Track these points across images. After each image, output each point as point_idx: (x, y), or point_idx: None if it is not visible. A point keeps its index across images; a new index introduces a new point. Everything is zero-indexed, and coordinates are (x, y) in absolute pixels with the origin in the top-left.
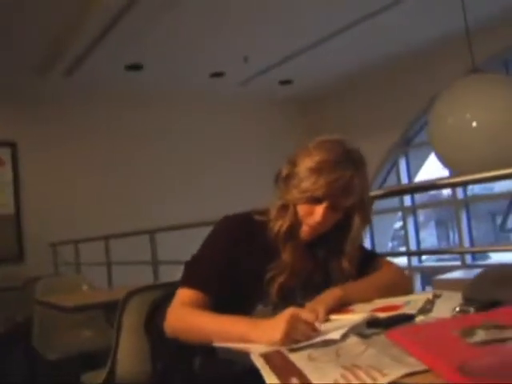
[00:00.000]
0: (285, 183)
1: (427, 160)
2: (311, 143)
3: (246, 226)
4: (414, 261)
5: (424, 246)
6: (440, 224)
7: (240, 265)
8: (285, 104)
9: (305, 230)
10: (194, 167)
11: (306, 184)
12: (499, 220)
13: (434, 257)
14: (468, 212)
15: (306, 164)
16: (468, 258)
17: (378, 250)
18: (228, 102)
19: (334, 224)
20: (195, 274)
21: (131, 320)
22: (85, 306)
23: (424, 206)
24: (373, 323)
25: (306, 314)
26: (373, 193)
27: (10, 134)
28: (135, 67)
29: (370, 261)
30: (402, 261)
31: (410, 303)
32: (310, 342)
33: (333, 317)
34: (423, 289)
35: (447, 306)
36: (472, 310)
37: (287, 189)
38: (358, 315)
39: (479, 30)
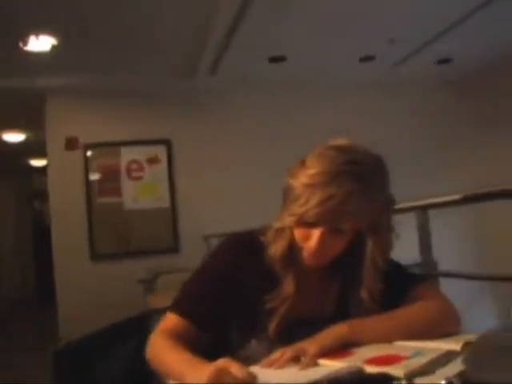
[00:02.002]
0: (283, 201)
1: None
2: (314, 151)
3: (246, 248)
4: None
5: None
6: None
7: (236, 293)
8: (445, 86)
9: (305, 256)
10: None
11: (296, 205)
12: None
13: None
14: None
15: (300, 179)
16: None
17: None
18: (380, 87)
19: (346, 248)
20: (185, 300)
21: None
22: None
23: None
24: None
25: (236, 368)
26: None
27: (165, 132)
28: (279, 59)
29: (406, 290)
30: None
31: (418, 355)
32: None
33: (322, 361)
34: None
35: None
36: None
37: (283, 208)
38: (344, 364)
39: None
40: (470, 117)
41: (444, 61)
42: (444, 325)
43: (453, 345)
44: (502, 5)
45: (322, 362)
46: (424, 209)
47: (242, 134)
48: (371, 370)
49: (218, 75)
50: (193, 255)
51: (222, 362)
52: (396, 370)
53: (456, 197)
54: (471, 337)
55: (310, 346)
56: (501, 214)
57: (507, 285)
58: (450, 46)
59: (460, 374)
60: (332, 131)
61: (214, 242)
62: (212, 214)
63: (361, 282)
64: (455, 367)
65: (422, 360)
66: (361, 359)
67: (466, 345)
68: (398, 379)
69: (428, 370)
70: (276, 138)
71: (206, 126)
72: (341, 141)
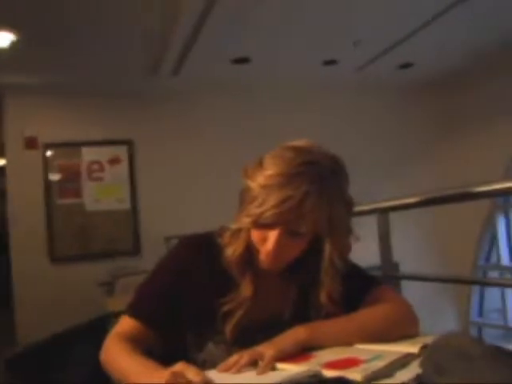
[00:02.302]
0: (240, 202)
1: None
2: (271, 152)
3: (202, 250)
4: None
5: None
6: None
7: (192, 295)
8: (408, 90)
9: (262, 259)
10: None
11: (253, 206)
12: None
13: None
14: None
15: (257, 180)
16: None
17: None
18: (344, 91)
19: (304, 251)
20: (140, 302)
21: None
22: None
23: None
24: None
25: (192, 372)
26: None
27: (127, 132)
28: (242, 60)
29: (364, 292)
30: None
31: (377, 358)
32: None
33: (280, 365)
34: None
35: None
36: None
37: (240, 209)
38: (302, 368)
39: None
40: (432, 120)
41: (406, 65)
42: (402, 326)
43: (411, 347)
44: (465, 10)
45: (280, 366)
46: (384, 211)
47: (204, 134)
48: (329, 374)
49: (181, 75)
50: (154, 257)
51: (177, 366)
52: (354, 374)
53: (416, 199)
54: (430, 339)
55: (268, 349)
56: (466, 215)
57: (467, 286)
58: (412, 51)
59: (417, 377)
60: (295, 132)
61: (174, 243)
62: (174, 215)
63: (320, 284)
64: (413, 370)
65: (380, 363)
66: (319, 363)
67: (424, 347)
68: (356, 383)
69: (386, 373)
70: (238, 138)
71: (169, 126)
72: (299, 142)
